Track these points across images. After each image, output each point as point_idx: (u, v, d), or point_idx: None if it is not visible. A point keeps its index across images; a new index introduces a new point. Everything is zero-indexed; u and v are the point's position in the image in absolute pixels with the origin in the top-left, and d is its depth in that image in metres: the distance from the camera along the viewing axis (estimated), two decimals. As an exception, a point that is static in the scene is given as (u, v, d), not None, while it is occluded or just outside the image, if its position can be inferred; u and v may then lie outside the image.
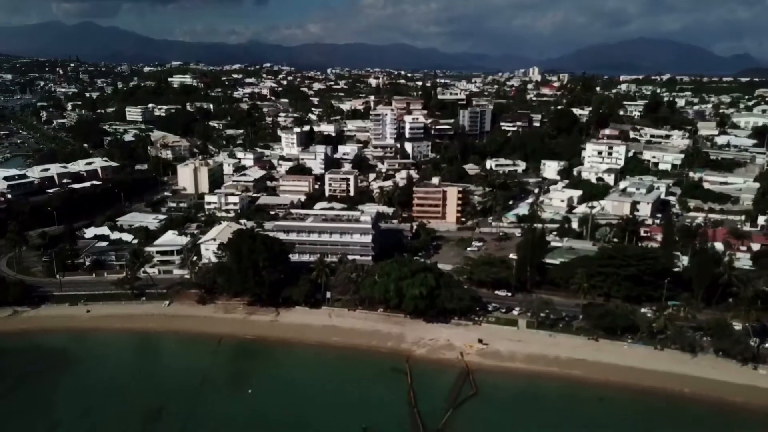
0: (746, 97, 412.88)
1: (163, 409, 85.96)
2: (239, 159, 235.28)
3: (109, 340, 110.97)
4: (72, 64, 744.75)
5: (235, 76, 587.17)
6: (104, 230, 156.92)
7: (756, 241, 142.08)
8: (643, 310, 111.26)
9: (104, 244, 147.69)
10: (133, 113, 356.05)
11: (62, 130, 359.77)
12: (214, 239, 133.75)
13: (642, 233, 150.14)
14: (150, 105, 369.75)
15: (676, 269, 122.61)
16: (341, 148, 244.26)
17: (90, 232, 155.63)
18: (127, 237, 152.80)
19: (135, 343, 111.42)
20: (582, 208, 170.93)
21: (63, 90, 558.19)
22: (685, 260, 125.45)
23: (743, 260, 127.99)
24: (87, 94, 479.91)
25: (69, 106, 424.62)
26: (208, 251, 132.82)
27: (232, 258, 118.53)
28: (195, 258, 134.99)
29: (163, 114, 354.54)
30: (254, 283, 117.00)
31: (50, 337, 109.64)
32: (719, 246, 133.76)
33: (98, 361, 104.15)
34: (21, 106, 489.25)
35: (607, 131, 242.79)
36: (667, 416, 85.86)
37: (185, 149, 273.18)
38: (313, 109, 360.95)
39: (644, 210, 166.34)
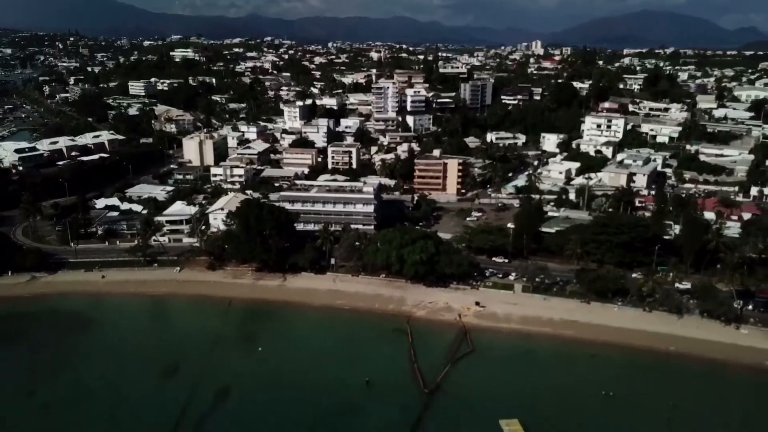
0: (749, 70, 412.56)
1: (179, 366, 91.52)
2: (243, 132, 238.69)
3: (124, 303, 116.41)
4: (71, 38, 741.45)
5: (236, 50, 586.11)
6: (114, 201, 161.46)
7: (746, 210, 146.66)
8: (634, 275, 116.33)
9: (115, 214, 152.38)
10: (136, 87, 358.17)
11: (66, 104, 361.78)
12: (222, 209, 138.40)
13: (637, 203, 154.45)
14: (152, 79, 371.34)
15: (668, 237, 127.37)
16: (343, 122, 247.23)
17: (100, 202, 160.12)
18: (137, 207, 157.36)
19: (149, 306, 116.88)
20: (579, 180, 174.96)
21: (64, 64, 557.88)
22: (677, 229, 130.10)
23: (733, 229, 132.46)
24: (89, 69, 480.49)
25: (71, 81, 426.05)
26: (217, 220, 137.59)
27: (240, 226, 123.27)
28: (203, 227, 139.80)
29: (166, 88, 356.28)
30: (261, 250, 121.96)
31: (68, 301, 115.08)
32: (711, 215, 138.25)
33: (115, 322, 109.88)
34: (23, 81, 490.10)
35: (606, 104, 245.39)
36: (654, 371, 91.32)
37: (189, 123, 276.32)
38: (315, 82, 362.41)
39: (640, 181, 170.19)
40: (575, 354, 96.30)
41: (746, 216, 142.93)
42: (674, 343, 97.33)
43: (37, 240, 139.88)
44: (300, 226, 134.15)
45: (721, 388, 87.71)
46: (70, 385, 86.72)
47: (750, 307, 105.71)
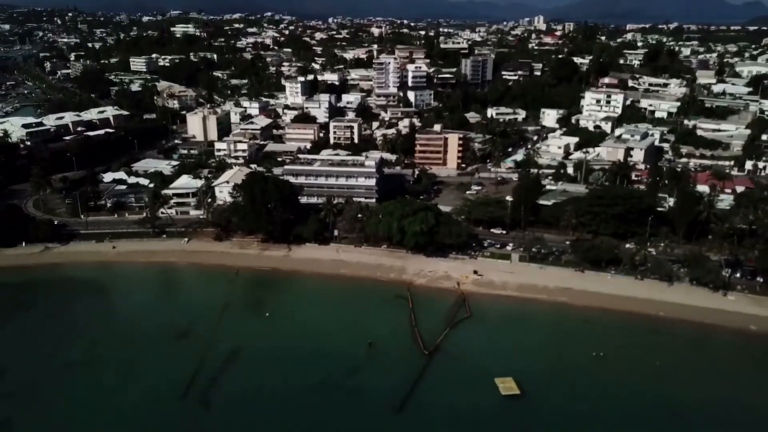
0: (753, 46, 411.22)
1: (191, 329, 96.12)
2: (245, 108, 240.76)
3: (135, 272, 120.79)
4: (70, 14, 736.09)
5: (237, 26, 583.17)
6: (121, 175, 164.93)
7: (740, 184, 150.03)
8: (627, 245, 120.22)
9: (123, 187, 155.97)
10: (137, 63, 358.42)
11: (67, 80, 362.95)
12: (227, 182, 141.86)
13: (633, 177, 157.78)
14: (153, 55, 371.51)
15: (662, 209, 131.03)
16: (345, 97, 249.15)
17: (108, 176, 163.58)
18: (144, 181, 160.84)
19: (159, 275, 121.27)
20: (577, 155, 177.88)
21: (64, 40, 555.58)
22: (671, 201, 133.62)
23: (727, 201, 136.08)
24: (89, 45, 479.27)
25: (72, 57, 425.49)
26: (222, 193, 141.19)
27: (245, 198, 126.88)
28: (209, 200, 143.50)
29: (167, 64, 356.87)
30: (267, 222, 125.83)
31: (81, 270, 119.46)
32: (705, 188, 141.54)
33: (127, 290, 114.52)
34: (23, 57, 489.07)
35: (606, 80, 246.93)
36: (643, 334, 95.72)
37: (191, 99, 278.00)
38: (316, 58, 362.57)
39: (637, 156, 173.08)
40: (569, 319, 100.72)
41: (740, 189, 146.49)
42: (664, 309, 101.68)
43: (48, 212, 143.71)
44: (303, 200, 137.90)
45: (707, 349, 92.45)
46: (89, 347, 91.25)
47: (738, 275, 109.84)
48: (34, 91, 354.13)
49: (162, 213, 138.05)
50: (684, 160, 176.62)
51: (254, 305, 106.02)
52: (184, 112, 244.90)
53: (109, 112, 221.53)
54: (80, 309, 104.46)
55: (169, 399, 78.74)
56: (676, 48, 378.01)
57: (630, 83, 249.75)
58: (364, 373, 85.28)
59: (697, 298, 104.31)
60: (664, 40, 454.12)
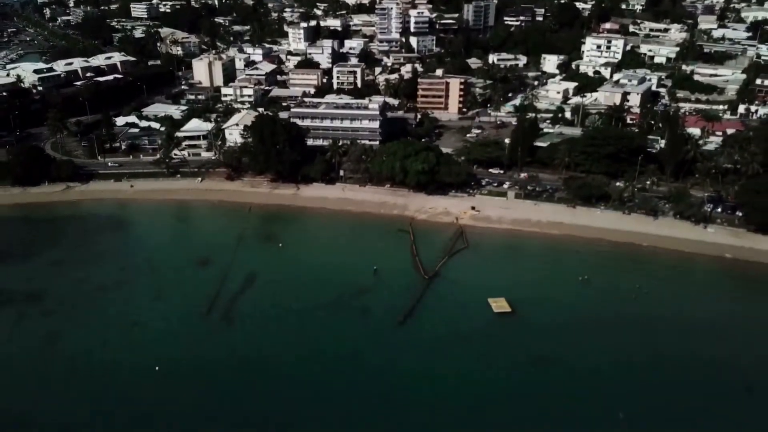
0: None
1: (210, 257, 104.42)
2: (248, 54, 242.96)
3: (154, 208, 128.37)
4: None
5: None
6: (132, 119, 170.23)
7: (731, 127, 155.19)
8: (618, 183, 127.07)
9: (135, 130, 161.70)
10: (138, 10, 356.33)
11: (69, 27, 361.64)
12: (237, 124, 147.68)
13: (628, 120, 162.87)
14: (154, 1, 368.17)
15: (653, 150, 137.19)
16: (347, 43, 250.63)
17: (120, 120, 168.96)
18: (155, 125, 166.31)
19: (176, 211, 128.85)
20: (575, 99, 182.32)
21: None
22: (663, 143, 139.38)
23: (716, 143, 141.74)
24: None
25: (71, 3, 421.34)
26: (232, 135, 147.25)
27: (255, 139, 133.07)
28: (220, 143, 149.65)
29: (168, 10, 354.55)
30: (276, 162, 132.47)
31: (103, 206, 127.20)
32: (696, 131, 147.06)
33: (147, 224, 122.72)
34: (21, 4, 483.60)
35: (607, 25, 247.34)
36: (627, 262, 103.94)
37: (194, 45, 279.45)
38: (318, 4, 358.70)
39: (634, 100, 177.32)
40: (559, 249, 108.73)
41: (730, 132, 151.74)
42: (647, 240, 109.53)
43: (66, 155, 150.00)
44: (310, 142, 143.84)
45: (683, 274, 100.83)
46: (117, 272, 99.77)
47: (719, 210, 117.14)
48: (35, 38, 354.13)
49: (175, 154, 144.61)
50: (680, 104, 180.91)
51: (267, 237, 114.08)
52: (188, 59, 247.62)
53: (117, 58, 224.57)
54: (105, 240, 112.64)
55: (195, 316, 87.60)
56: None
57: (631, 28, 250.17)
58: (370, 295, 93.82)
59: (679, 231, 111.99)
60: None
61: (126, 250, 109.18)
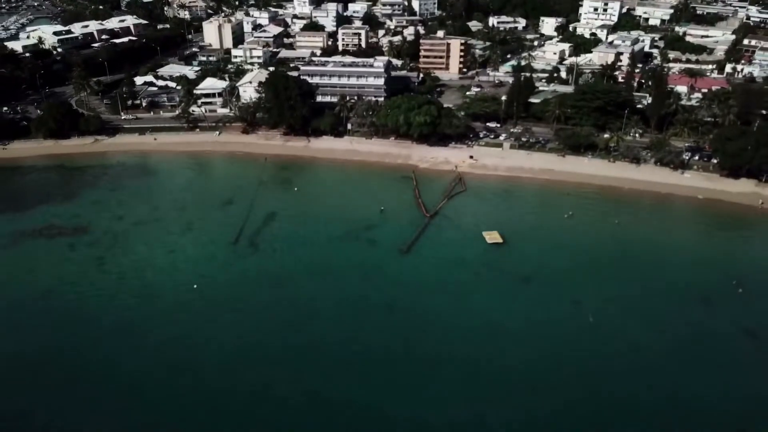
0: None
1: (233, 199, 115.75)
2: (255, 18, 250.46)
3: (178, 158, 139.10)
4: None
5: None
6: (149, 79, 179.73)
7: (716, 84, 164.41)
8: (605, 135, 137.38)
9: (154, 89, 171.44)
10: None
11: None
12: (250, 82, 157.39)
13: (620, 79, 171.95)
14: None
15: (641, 106, 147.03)
16: (351, 6, 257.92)
17: (138, 80, 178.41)
18: (171, 84, 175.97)
19: (198, 160, 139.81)
20: (571, 59, 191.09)
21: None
22: (650, 99, 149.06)
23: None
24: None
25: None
26: (246, 92, 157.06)
27: (269, 94, 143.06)
28: (234, 99, 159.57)
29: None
30: (289, 116, 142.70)
31: (130, 157, 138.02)
32: (683, 89, 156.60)
33: (173, 171, 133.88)
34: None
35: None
36: (609, 201, 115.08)
37: (201, 9, 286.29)
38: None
39: (626, 60, 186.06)
40: (548, 192, 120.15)
41: (715, 89, 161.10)
42: (629, 184, 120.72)
43: (91, 111, 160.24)
44: (318, 99, 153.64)
45: (658, 211, 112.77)
46: (151, 211, 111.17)
47: (696, 158, 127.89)
48: (43, 3, 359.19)
49: (192, 111, 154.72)
50: (671, 64, 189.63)
51: (283, 182, 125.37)
52: (195, 23, 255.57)
53: (130, 20, 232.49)
54: (136, 185, 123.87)
55: (224, 244, 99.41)
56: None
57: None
58: (378, 229, 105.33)
59: (658, 176, 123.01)
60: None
61: (156, 193, 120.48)
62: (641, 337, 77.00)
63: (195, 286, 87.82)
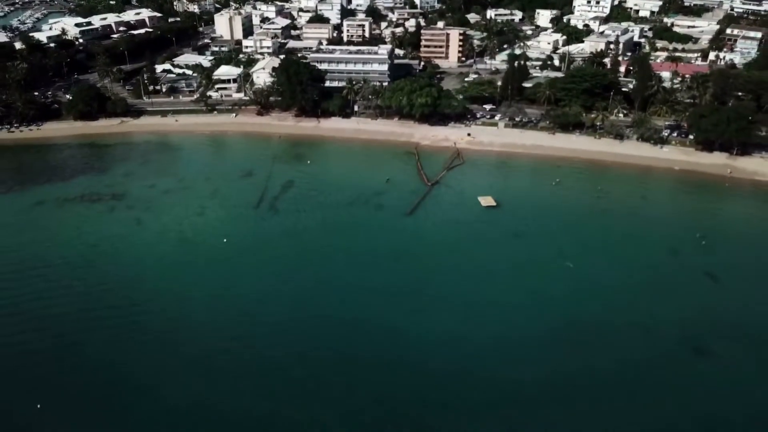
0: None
1: (252, 171, 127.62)
2: (262, 11, 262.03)
3: (198, 137, 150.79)
4: None
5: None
6: (167, 67, 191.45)
7: (698, 70, 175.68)
8: (592, 115, 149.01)
9: (172, 75, 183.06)
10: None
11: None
12: (263, 68, 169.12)
13: (609, 66, 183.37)
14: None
15: (626, 90, 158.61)
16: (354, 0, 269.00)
17: (157, 68, 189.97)
18: (188, 72, 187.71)
19: (218, 139, 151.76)
20: (564, 48, 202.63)
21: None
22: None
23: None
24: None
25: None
26: (259, 78, 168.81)
27: (282, 77, 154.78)
28: (248, 85, 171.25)
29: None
30: (300, 98, 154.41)
31: (154, 136, 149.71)
32: (667, 74, 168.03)
33: (195, 148, 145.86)
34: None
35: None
36: (593, 172, 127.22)
37: (210, 3, 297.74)
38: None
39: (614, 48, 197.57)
40: (539, 164, 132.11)
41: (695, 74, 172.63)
42: (613, 157, 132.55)
43: (115, 96, 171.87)
44: (327, 84, 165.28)
45: (637, 180, 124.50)
46: (178, 181, 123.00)
47: (675, 134, 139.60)
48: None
49: (209, 95, 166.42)
50: (658, 53, 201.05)
51: (296, 157, 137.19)
52: (205, 16, 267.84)
53: (145, 13, 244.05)
54: (162, 160, 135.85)
55: (247, 208, 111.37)
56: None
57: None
58: (384, 196, 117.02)
59: (640, 151, 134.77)
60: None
61: (181, 166, 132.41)
62: (613, 278, 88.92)
63: (225, 240, 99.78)
